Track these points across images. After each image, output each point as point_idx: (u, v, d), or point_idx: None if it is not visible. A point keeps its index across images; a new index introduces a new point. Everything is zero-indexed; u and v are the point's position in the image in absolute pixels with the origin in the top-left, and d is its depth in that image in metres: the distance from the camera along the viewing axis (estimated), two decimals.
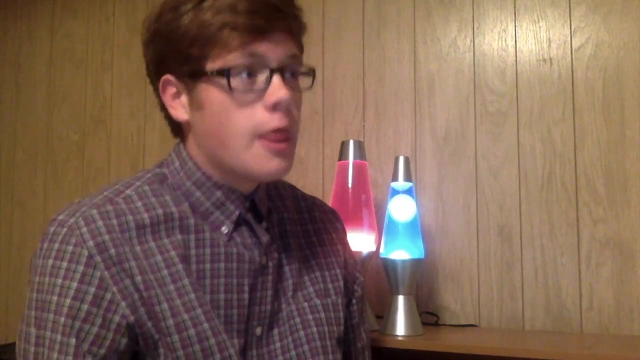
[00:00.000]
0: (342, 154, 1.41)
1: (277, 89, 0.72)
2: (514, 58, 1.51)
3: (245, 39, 0.71)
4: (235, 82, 0.71)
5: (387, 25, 1.65)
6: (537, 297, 1.44)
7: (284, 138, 0.74)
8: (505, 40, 1.53)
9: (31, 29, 2.17)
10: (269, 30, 0.72)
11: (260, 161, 0.74)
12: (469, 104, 1.54)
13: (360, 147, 1.42)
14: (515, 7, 1.53)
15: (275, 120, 0.73)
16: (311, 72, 0.79)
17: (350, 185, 1.38)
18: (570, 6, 1.47)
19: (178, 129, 0.82)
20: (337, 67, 1.70)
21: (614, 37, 1.42)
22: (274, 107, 0.73)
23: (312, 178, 1.69)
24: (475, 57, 1.55)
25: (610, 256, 1.39)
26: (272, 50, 0.72)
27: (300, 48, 0.79)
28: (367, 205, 1.38)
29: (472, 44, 1.56)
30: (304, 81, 0.79)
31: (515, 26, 1.52)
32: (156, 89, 0.79)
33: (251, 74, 0.72)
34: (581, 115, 1.44)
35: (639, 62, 1.40)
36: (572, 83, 1.45)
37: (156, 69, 0.78)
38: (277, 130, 0.73)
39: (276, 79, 0.72)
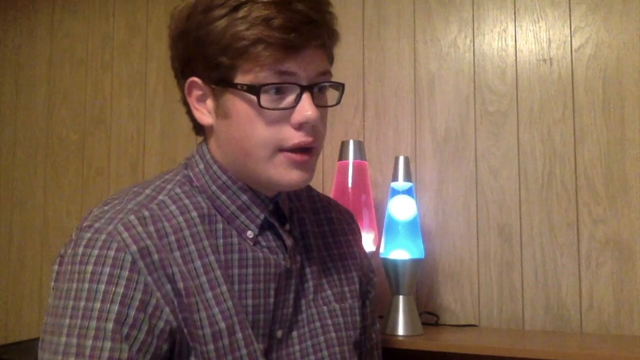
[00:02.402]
0: (342, 154, 1.41)
1: (306, 109, 0.72)
2: (514, 58, 1.51)
3: (278, 56, 0.70)
4: (265, 99, 0.71)
5: (387, 25, 1.65)
6: (537, 297, 1.44)
7: (307, 151, 0.74)
8: (505, 40, 1.53)
9: (31, 29, 2.17)
10: (302, 48, 0.71)
11: (281, 172, 0.74)
12: (469, 104, 1.54)
13: (360, 147, 1.42)
14: (515, 7, 1.53)
15: (301, 137, 0.73)
16: (340, 87, 0.78)
17: (350, 185, 1.38)
18: (570, 6, 1.47)
19: (201, 128, 0.81)
20: (337, 67, 1.69)
21: (614, 37, 1.42)
22: (301, 126, 0.73)
23: (313, 178, 1.68)
24: (475, 57, 1.55)
25: (610, 256, 1.39)
26: (303, 68, 0.72)
27: (332, 61, 0.79)
28: (367, 205, 1.38)
29: (472, 44, 1.56)
30: (332, 93, 0.79)
31: (515, 26, 1.52)
32: (180, 85, 0.79)
33: (281, 91, 0.72)
34: (581, 115, 1.44)
35: (639, 62, 1.40)
36: (572, 83, 1.45)
37: (182, 68, 0.77)
38: (301, 147, 0.73)
39: (306, 97, 0.72)
